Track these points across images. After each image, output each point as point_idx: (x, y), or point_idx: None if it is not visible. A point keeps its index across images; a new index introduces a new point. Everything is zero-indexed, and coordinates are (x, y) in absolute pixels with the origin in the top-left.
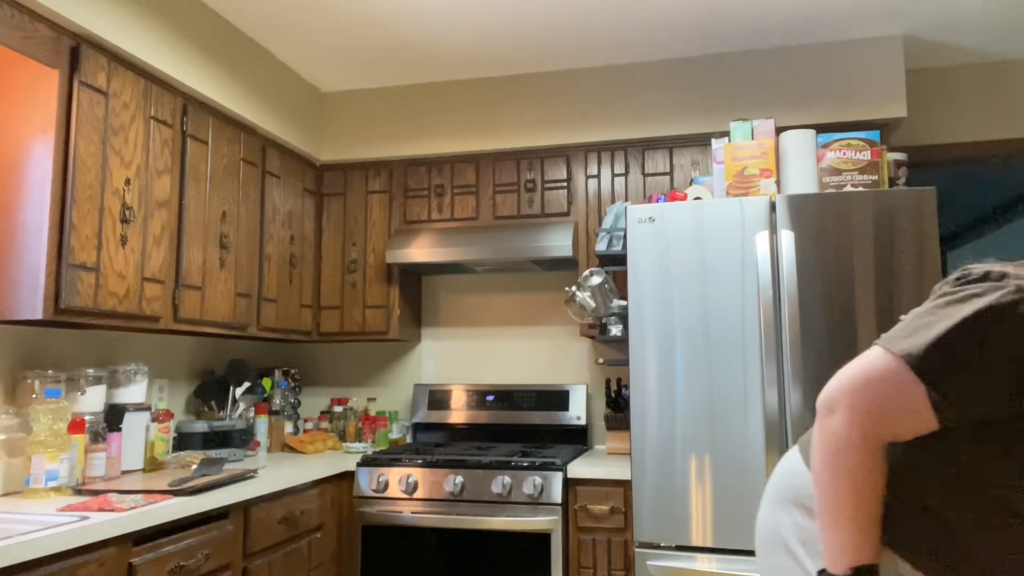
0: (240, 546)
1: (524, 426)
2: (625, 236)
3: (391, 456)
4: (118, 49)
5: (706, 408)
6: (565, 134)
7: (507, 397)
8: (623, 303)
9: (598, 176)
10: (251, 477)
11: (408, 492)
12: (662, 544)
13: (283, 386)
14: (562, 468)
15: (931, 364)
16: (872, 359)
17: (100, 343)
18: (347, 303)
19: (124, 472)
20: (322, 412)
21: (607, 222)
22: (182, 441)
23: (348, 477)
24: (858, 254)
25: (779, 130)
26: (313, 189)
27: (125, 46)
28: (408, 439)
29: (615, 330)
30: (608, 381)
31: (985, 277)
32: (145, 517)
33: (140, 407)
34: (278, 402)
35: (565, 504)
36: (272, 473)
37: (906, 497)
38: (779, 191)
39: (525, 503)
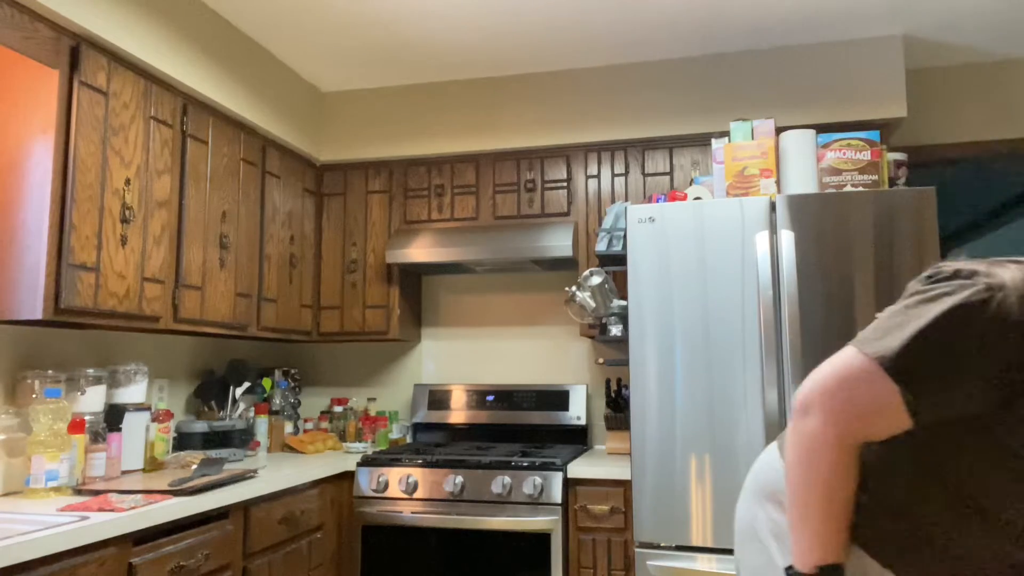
0: (240, 546)
1: (524, 426)
2: (625, 236)
3: (391, 456)
4: (118, 49)
5: (706, 408)
6: (565, 134)
7: (507, 397)
8: (623, 303)
9: (598, 176)
10: (251, 477)
11: (408, 492)
12: (662, 544)
13: (283, 386)
14: (562, 468)
15: (904, 365)
16: (846, 360)
17: (100, 343)
18: (347, 303)
19: (124, 472)
20: (322, 412)
21: (607, 222)
22: (182, 441)
23: (348, 477)
24: (858, 254)
25: (779, 130)
26: (313, 189)
27: (125, 46)
28: (408, 439)
29: (615, 330)
30: (608, 381)
31: (955, 275)
32: (145, 517)
33: (140, 407)
34: (278, 402)
35: (565, 504)
36: (272, 473)
37: (877, 496)
38: (779, 191)
39: (525, 503)
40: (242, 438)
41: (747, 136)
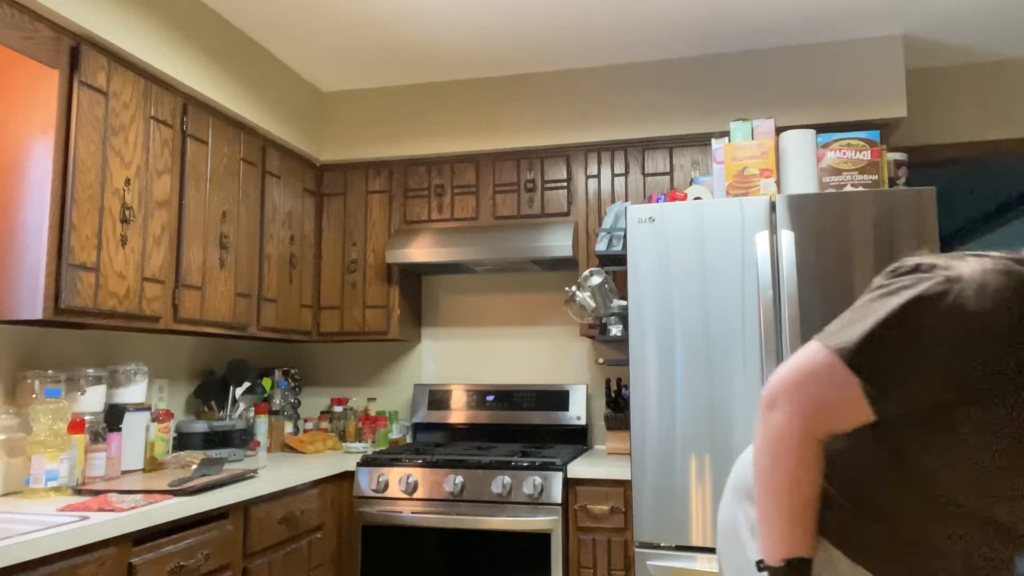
0: (240, 546)
1: (524, 426)
2: (625, 236)
3: (391, 456)
4: (118, 49)
5: (706, 408)
6: (565, 134)
7: (507, 397)
8: (623, 303)
9: (598, 176)
10: (251, 477)
11: (408, 492)
12: (662, 544)
13: (283, 386)
14: (562, 468)
15: (863, 357)
16: (810, 354)
17: (100, 343)
18: (347, 303)
19: (124, 472)
20: (322, 412)
21: (607, 222)
22: (182, 441)
23: (348, 477)
24: (858, 254)
25: (779, 130)
26: (313, 189)
27: (125, 46)
28: (408, 439)
29: (615, 330)
30: (608, 381)
31: (916, 269)
32: (145, 517)
33: (140, 407)
34: (278, 402)
35: (565, 504)
36: (272, 473)
37: (844, 489)
38: (779, 191)
39: (525, 503)
40: (242, 438)
41: (747, 136)
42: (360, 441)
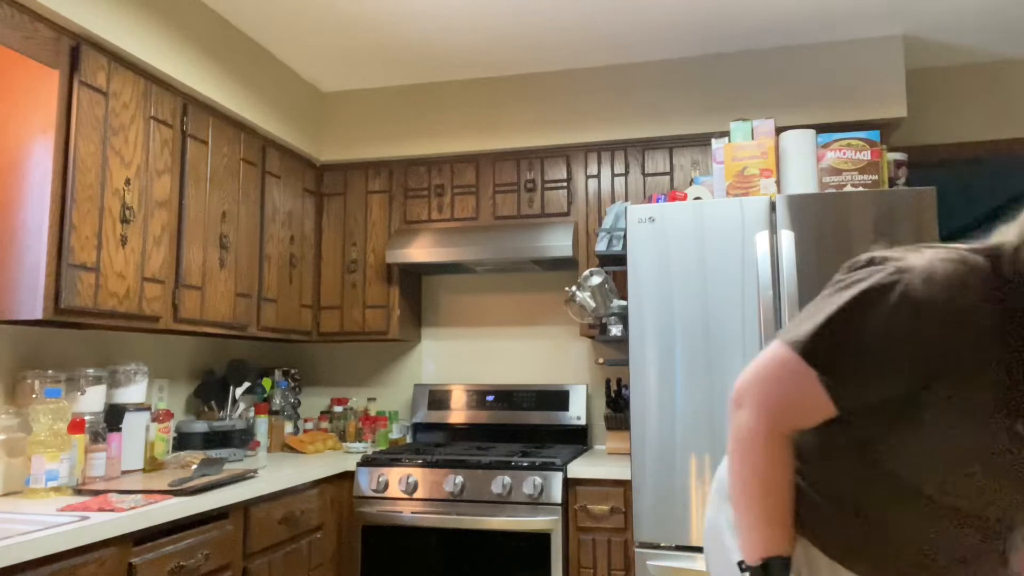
0: (240, 546)
1: (524, 426)
2: (625, 236)
3: (391, 456)
4: (118, 49)
5: (706, 408)
6: (565, 134)
7: (507, 397)
8: (623, 303)
9: (598, 176)
10: (251, 477)
11: (408, 492)
12: (662, 544)
13: (283, 386)
14: (562, 468)
15: (817, 350)
16: (769, 352)
17: (100, 343)
18: (347, 303)
19: (124, 472)
20: (322, 412)
21: (607, 222)
22: (182, 441)
23: (348, 477)
24: (858, 254)
25: (779, 130)
26: (313, 189)
27: (125, 46)
28: (408, 439)
29: (615, 330)
30: (608, 381)
31: (870, 263)
32: (145, 517)
33: (140, 407)
34: (278, 402)
35: (565, 504)
36: (272, 473)
37: (819, 486)
38: (779, 191)
39: (525, 503)
40: (242, 438)
41: (747, 136)
42: (360, 441)
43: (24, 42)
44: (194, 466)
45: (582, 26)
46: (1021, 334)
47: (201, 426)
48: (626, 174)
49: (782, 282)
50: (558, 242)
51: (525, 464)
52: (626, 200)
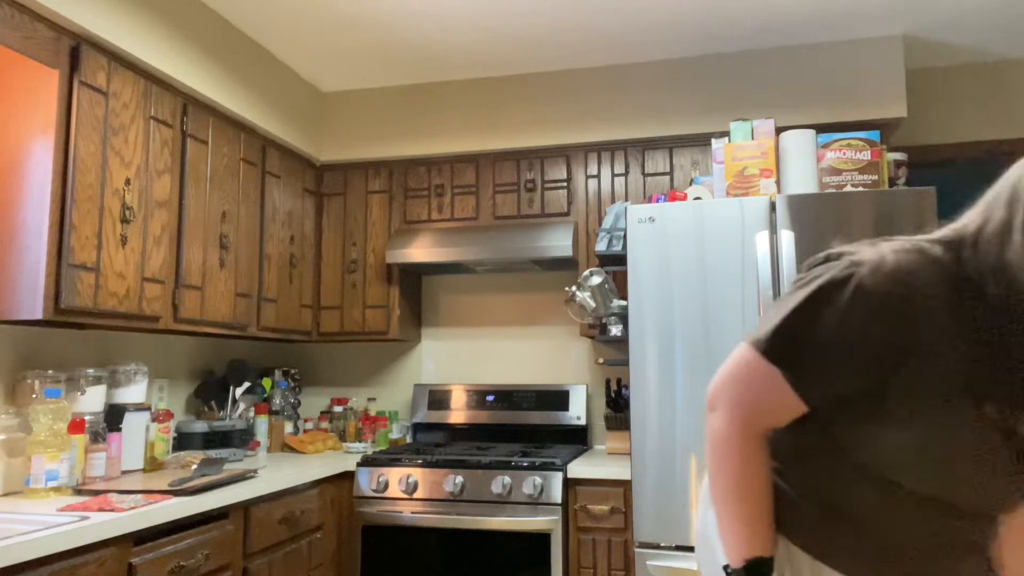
0: (240, 546)
1: (524, 426)
2: (625, 236)
3: (391, 456)
4: (118, 49)
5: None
6: (565, 134)
7: (507, 397)
8: (623, 303)
9: (598, 176)
10: (251, 477)
11: (408, 492)
12: (662, 544)
13: (283, 386)
14: (562, 468)
15: (778, 348)
16: (737, 352)
17: (100, 343)
18: (347, 303)
19: (124, 472)
20: (322, 412)
21: (607, 222)
22: (182, 441)
23: (348, 477)
24: None
25: (779, 130)
26: (313, 189)
27: (125, 46)
28: (408, 439)
29: (615, 330)
30: (608, 381)
31: (827, 259)
32: (145, 517)
33: (140, 407)
34: (278, 402)
35: (565, 504)
36: (272, 473)
37: (796, 484)
38: (779, 191)
39: (525, 503)
40: (242, 438)
41: (747, 136)
42: (360, 441)
43: (24, 42)
44: (194, 466)
45: (582, 26)
46: (979, 320)
47: (201, 426)
48: (626, 174)
49: (782, 282)
50: (558, 242)
51: (525, 464)
52: (626, 200)
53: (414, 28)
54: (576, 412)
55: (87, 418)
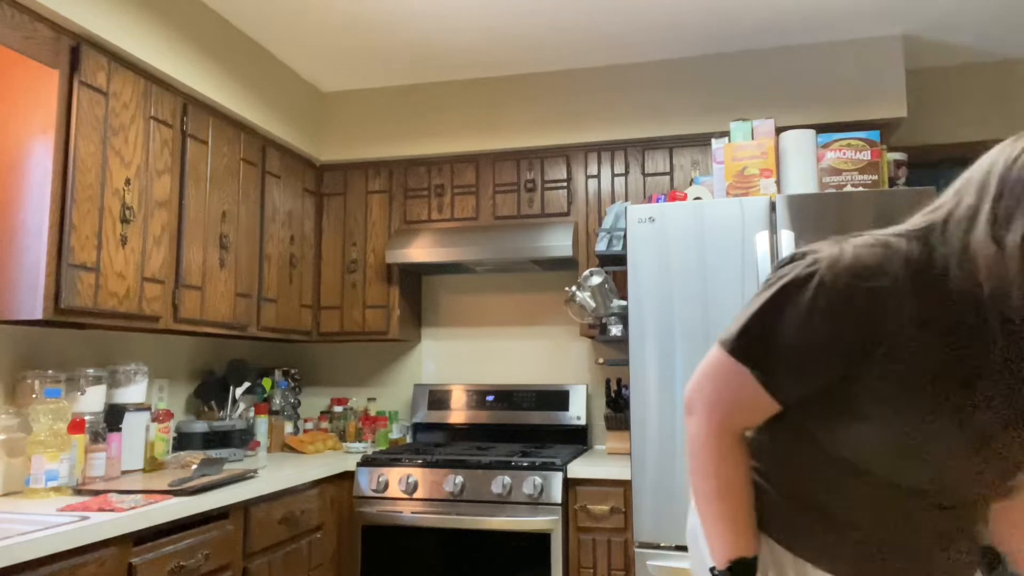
0: (240, 546)
1: (524, 426)
2: (625, 236)
3: (391, 456)
4: (118, 49)
5: None
6: (565, 134)
7: (507, 397)
8: (623, 303)
9: (598, 176)
10: (251, 477)
11: (408, 492)
12: (662, 544)
13: (283, 386)
14: (562, 468)
15: (746, 348)
16: (709, 354)
17: (100, 343)
18: (347, 303)
19: (124, 472)
20: (322, 412)
21: (607, 222)
22: (182, 441)
23: (348, 477)
24: None
25: (779, 130)
26: (313, 189)
27: (125, 46)
28: (408, 439)
29: (615, 330)
30: (608, 381)
31: (792, 259)
32: (145, 517)
33: (140, 407)
34: (278, 402)
35: (565, 504)
36: (272, 473)
37: (777, 483)
38: (779, 191)
39: (525, 503)
40: (242, 438)
41: (747, 136)
42: (360, 441)
43: (24, 42)
44: (194, 466)
45: (582, 26)
46: (943, 307)
47: (201, 426)
48: (626, 174)
49: None
50: (558, 242)
51: (525, 464)
52: (626, 200)
53: (414, 28)
54: (576, 412)
55: (87, 418)
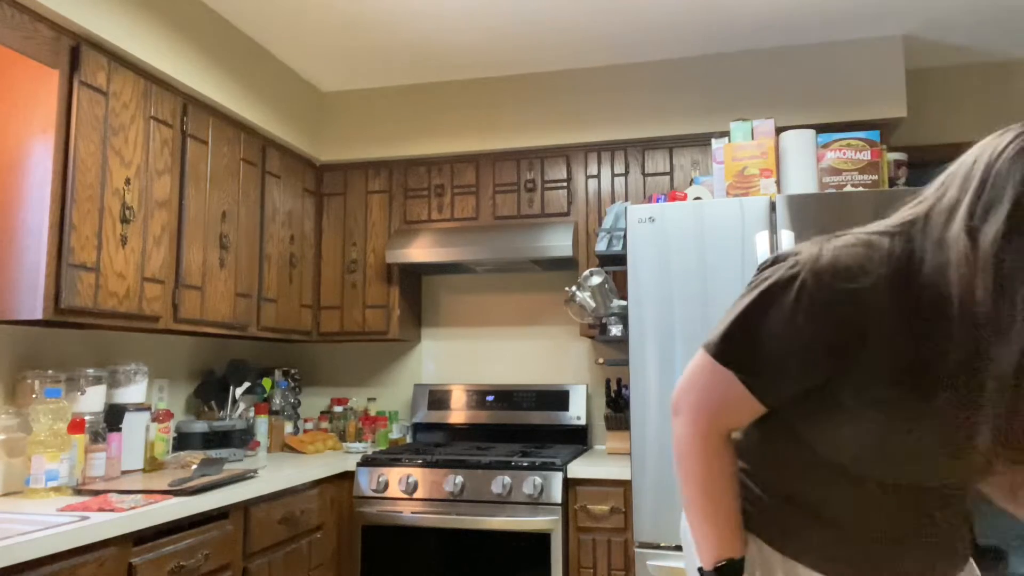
0: (240, 546)
1: (524, 426)
2: (625, 236)
3: (391, 456)
4: (118, 49)
5: None
6: (565, 134)
7: (507, 397)
8: (623, 303)
9: (598, 176)
10: (251, 477)
11: (408, 492)
12: (662, 544)
13: (283, 386)
14: (562, 468)
15: (729, 350)
16: (695, 358)
17: (100, 343)
18: (347, 303)
19: (124, 472)
20: (322, 412)
21: (607, 222)
22: (182, 441)
23: (348, 477)
24: None
25: (779, 130)
26: (313, 189)
27: (125, 46)
28: (408, 439)
29: (615, 330)
30: (608, 381)
31: (775, 261)
32: (145, 517)
33: (140, 407)
34: (278, 402)
35: (565, 504)
36: (272, 473)
37: (764, 483)
38: (779, 191)
39: (525, 503)
40: (242, 438)
41: (747, 136)
42: (360, 441)
43: (24, 42)
44: (194, 466)
45: (582, 26)
46: (922, 303)
47: (201, 426)
48: (626, 174)
49: None
50: (558, 242)
51: (525, 464)
52: (626, 200)
53: (414, 28)
54: (576, 412)
55: (87, 418)
